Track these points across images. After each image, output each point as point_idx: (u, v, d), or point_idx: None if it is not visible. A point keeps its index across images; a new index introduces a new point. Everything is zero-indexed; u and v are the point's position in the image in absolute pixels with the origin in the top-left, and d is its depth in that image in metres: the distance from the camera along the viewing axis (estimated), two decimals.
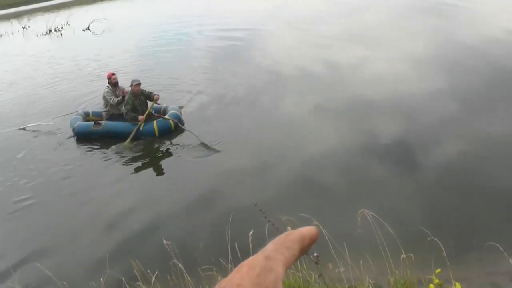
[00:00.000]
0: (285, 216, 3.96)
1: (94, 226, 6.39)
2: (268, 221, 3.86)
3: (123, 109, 9.24)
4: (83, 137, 9.48)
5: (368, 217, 4.01)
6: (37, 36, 33.52)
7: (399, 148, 7.19)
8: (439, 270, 3.74)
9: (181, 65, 15.70)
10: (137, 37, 24.38)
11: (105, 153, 8.82)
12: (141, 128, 8.95)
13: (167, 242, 4.15)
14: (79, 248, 5.97)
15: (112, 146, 8.85)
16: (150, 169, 8.22)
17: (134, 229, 6.06)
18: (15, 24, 45.51)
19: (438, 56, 11.68)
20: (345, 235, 4.40)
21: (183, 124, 9.28)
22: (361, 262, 3.95)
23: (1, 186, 8.09)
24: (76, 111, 10.65)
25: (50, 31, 34.20)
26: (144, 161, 8.40)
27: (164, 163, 8.37)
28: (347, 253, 3.95)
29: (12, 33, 39.22)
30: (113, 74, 9.77)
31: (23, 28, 41.32)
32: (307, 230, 0.63)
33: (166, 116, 9.20)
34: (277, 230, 3.78)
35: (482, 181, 5.98)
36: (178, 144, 8.75)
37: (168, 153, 8.63)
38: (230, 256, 3.93)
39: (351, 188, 6.22)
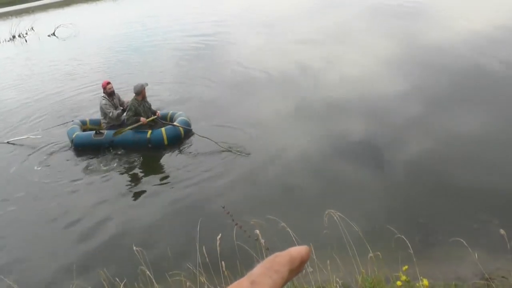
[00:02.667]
0: (253, 218, 3.96)
1: (65, 235, 6.27)
2: (236, 224, 3.88)
3: (125, 115, 8.81)
4: (82, 147, 8.93)
5: (335, 217, 4.05)
6: (0, 42, 32.71)
7: (366, 148, 7.29)
8: (406, 267, 3.81)
9: (152, 68, 15.47)
10: (107, 41, 24.14)
11: (94, 163, 8.46)
12: (148, 136, 8.43)
13: (137, 249, 4.11)
14: (47, 259, 5.86)
15: (132, 160, 8.34)
16: (136, 178, 7.88)
17: (104, 238, 5.98)
18: None
19: (406, 57, 11.92)
20: (312, 236, 4.45)
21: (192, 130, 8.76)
22: (328, 262, 3.98)
23: None
24: (72, 121, 10.04)
25: (14, 37, 33.43)
26: (134, 171, 8.05)
27: (152, 170, 8.10)
28: (314, 253, 3.97)
29: None
30: (109, 83, 9.13)
31: None
32: (297, 251, 0.59)
33: (175, 123, 8.63)
34: (244, 233, 3.80)
35: (447, 179, 6.12)
36: (194, 153, 8.21)
37: (159, 162, 8.23)
38: (198, 261, 3.91)
39: (318, 189, 6.29)
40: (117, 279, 4.13)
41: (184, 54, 17.20)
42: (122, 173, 7.90)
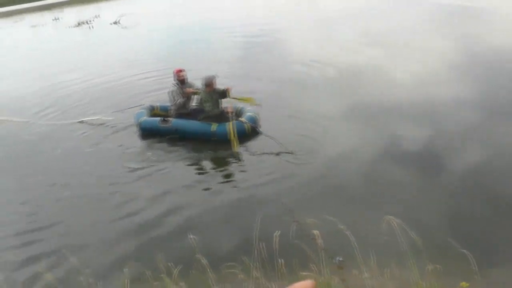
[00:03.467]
0: (311, 218, 3.90)
1: (124, 220, 6.38)
2: (294, 221, 3.84)
3: (205, 107, 8.57)
4: (148, 133, 9.07)
5: (393, 224, 3.92)
6: (67, 27, 34.07)
7: (427, 154, 7.05)
8: (466, 284, 3.65)
9: (222, 61, 15.40)
10: (169, 31, 24.79)
11: (159, 150, 8.50)
12: (213, 129, 8.37)
13: (192, 237, 4.15)
14: (107, 238, 6.03)
15: (198, 151, 8.25)
16: (199, 170, 7.80)
17: (162, 225, 6.03)
18: (46, 16, 46.52)
19: (470, 61, 11.53)
20: (369, 241, 4.33)
21: (259, 128, 8.56)
22: (386, 270, 3.87)
23: (51, 178, 8.06)
24: (141, 105, 10.18)
25: (80, 23, 34.74)
26: (197, 161, 8.01)
27: (216, 163, 7.96)
28: (372, 259, 3.87)
29: (44, 24, 39.99)
30: (181, 70, 9.13)
31: (54, 20, 42.15)
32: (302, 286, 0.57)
33: (242, 119, 8.54)
34: (302, 232, 3.75)
35: None
36: (258, 151, 8.07)
37: (229, 155, 8.05)
38: (254, 255, 3.89)
39: (376, 193, 6.12)
40: (172, 264, 4.19)
41: (248, 47, 17.30)
42: (183, 163, 7.92)
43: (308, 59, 13.85)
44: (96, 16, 37.23)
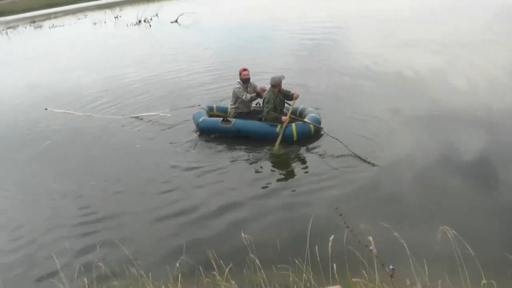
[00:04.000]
0: (364, 224, 3.90)
1: (178, 216, 6.50)
2: (347, 226, 3.85)
3: (264, 107, 8.56)
4: (207, 133, 9.07)
5: (449, 235, 3.86)
6: (127, 25, 35.22)
7: (486, 164, 6.79)
8: None
9: (282, 61, 15.52)
10: (229, 30, 25.34)
11: (228, 151, 8.48)
12: (277, 130, 8.26)
13: (246, 236, 4.22)
14: (159, 232, 6.19)
15: (257, 151, 8.22)
16: (256, 169, 7.73)
17: (217, 223, 6.10)
18: (108, 14, 48.28)
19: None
20: (423, 251, 4.26)
21: (323, 129, 8.44)
22: (439, 281, 3.81)
23: (107, 173, 8.32)
24: (199, 105, 10.29)
25: (140, 21, 35.80)
26: (264, 164, 7.89)
27: (273, 164, 7.88)
28: (425, 269, 3.83)
29: (105, 22, 41.50)
30: (245, 69, 9.12)
31: (115, 17, 43.68)
32: None
33: (306, 120, 8.44)
34: (355, 238, 3.75)
35: None
36: (320, 152, 7.93)
37: (298, 159, 7.93)
38: (308, 258, 3.94)
39: (433, 202, 5.96)
40: (224, 262, 4.28)
41: (306, 48, 17.41)
42: (239, 163, 7.95)
43: (370, 61, 13.78)
44: (155, 15, 38.24)
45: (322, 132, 8.38)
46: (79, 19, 50.80)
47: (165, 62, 18.23)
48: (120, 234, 6.17)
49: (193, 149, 8.72)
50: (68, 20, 51.89)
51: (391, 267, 3.97)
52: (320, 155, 7.81)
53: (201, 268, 4.48)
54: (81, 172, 8.53)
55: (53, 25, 46.75)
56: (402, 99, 10.10)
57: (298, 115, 8.83)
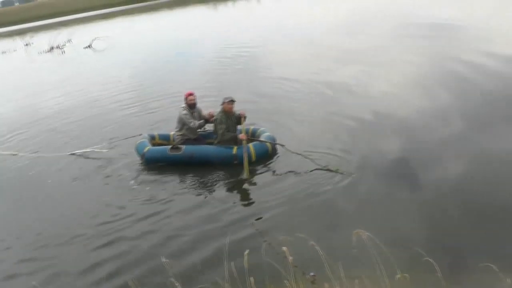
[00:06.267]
0: (282, 236, 4.00)
1: (98, 240, 6.36)
2: (264, 240, 3.93)
3: (217, 129, 8.22)
4: (154, 163, 8.53)
5: (363, 237, 4.04)
6: (39, 53, 33.88)
7: (396, 167, 7.24)
8: None
9: (198, 78, 15.53)
10: (144, 53, 24.96)
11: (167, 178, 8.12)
12: (234, 152, 7.99)
13: (166, 261, 4.18)
14: (79, 264, 5.96)
15: (205, 176, 7.91)
16: (204, 195, 7.45)
17: (138, 249, 5.98)
18: (17, 41, 46.11)
19: (440, 75, 11.78)
20: (340, 255, 4.45)
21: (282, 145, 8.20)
22: (357, 281, 3.97)
23: (38, 215, 7.69)
24: (140, 134, 9.49)
25: (52, 48, 34.56)
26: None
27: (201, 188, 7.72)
28: (343, 272, 3.98)
29: (15, 50, 39.65)
30: (191, 94, 8.66)
31: (25, 45, 41.86)
32: None
33: (262, 139, 8.24)
34: (273, 249, 3.84)
35: (480, 201, 5.98)
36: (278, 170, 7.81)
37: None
38: (226, 276, 3.96)
39: (346, 208, 6.25)
40: None
41: (229, 66, 17.54)
42: (186, 192, 7.62)
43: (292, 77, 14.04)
44: (68, 41, 37.06)
45: (284, 148, 8.13)
46: None
47: (85, 91, 17.33)
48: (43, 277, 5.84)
49: (135, 183, 8.16)
50: None
51: (311, 274, 4.11)
52: (276, 172, 7.75)
53: None
54: (9, 219, 7.86)
55: None
56: (318, 111, 10.49)
57: (251, 135, 8.53)
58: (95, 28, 46.13)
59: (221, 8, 51.70)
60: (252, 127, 8.82)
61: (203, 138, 8.85)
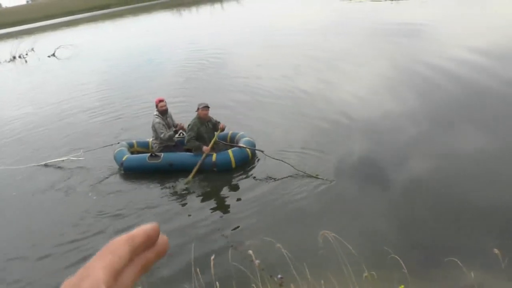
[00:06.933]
0: (249, 240, 4.00)
1: (69, 254, 6.21)
2: (230, 245, 3.92)
3: (186, 135, 8.12)
4: (133, 171, 8.40)
5: (329, 238, 4.08)
6: (0, 63, 33.02)
7: (364, 168, 7.39)
8: (402, 286, 3.85)
9: (168, 84, 15.47)
10: (112, 61, 24.64)
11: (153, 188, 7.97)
12: (213, 159, 7.84)
13: None
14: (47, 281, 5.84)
15: (171, 184, 7.89)
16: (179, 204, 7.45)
17: None
18: None
19: (404, 77, 12.05)
20: (307, 256, 4.49)
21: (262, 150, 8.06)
22: (323, 282, 4.00)
23: (11, 229, 7.48)
24: (118, 142, 9.33)
25: (14, 57, 33.77)
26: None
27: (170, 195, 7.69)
28: (308, 273, 4.00)
29: None
30: (161, 100, 8.54)
31: None
32: (138, 229, 0.53)
33: (241, 145, 8.09)
34: (240, 254, 3.84)
35: (442, 198, 6.17)
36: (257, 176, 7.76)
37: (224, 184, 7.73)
38: (195, 283, 3.93)
39: (314, 210, 6.33)
40: None
41: (199, 71, 17.50)
42: (161, 199, 7.56)
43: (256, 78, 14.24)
44: (30, 49, 36.24)
45: (265, 154, 8.01)
46: None
47: (52, 100, 16.89)
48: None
49: (113, 192, 8.01)
50: None
51: (279, 276, 4.12)
52: (249, 178, 7.73)
53: None
54: None
55: None
56: (283, 113, 10.61)
57: (229, 141, 8.48)
58: (59, 36, 45.34)
59: (185, 13, 51.60)
60: (230, 132, 8.74)
61: (181, 144, 8.71)
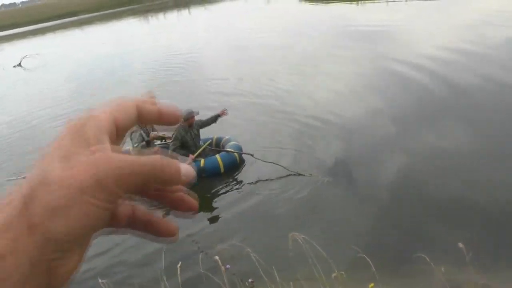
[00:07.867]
0: (219, 246, 4.00)
1: None
2: (200, 251, 3.91)
3: (170, 145, 7.99)
4: None
5: (299, 239, 4.09)
6: None
7: (334, 169, 7.43)
8: (372, 284, 3.89)
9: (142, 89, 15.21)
10: (82, 69, 24.27)
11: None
12: (201, 165, 7.69)
13: (103, 281, 4.07)
14: None
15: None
16: None
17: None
18: None
19: (371, 79, 12.21)
20: (277, 259, 4.51)
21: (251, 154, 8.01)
22: (292, 284, 4.02)
23: None
24: None
25: None
26: None
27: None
28: (278, 276, 4.01)
29: None
30: None
31: None
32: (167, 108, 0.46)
33: (228, 149, 8.03)
34: (208, 260, 3.82)
35: (411, 197, 6.28)
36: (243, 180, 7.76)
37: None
38: None
39: (283, 213, 6.36)
40: None
41: (174, 75, 17.51)
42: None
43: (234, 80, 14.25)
44: None
45: (254, 157, 7.97)
46: None
47: (18, 112, 16.55)
48: None
49: None
50: None
51: (250, 280, 4.12)
52: (236, 182, 7.73)
53: None
54: None
55: None
56: (259, 114, 10.68)
57: (215, 146, 8.44)
58: (24, 45, 44.40)
59: (152, 20, 51.31)
60: (216, 136, 8.68)
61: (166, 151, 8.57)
